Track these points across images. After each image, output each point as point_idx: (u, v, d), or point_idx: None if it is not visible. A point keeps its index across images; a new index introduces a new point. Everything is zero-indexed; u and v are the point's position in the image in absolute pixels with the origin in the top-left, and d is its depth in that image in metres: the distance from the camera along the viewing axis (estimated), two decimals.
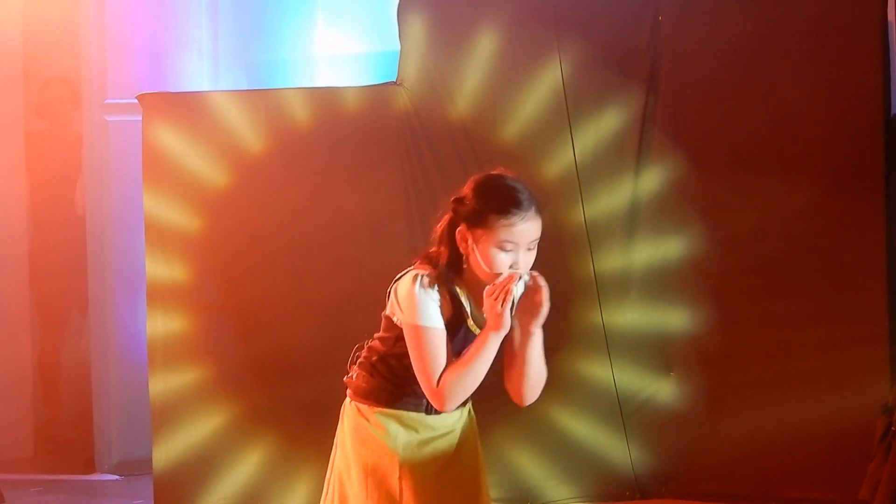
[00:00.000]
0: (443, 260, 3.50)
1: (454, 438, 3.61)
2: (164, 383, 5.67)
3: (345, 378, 3.67)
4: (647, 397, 5.75)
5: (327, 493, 3.67)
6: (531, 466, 5.69)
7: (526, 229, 3.43)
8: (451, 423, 3.60)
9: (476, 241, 3.44)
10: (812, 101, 5.58)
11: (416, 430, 3.56)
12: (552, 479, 5.73)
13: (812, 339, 5.56)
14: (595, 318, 5.74)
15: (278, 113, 5.74)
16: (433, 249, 3.54)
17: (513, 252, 3.43)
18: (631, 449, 5.73)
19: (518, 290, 3.41)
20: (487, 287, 3.41)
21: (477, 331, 3.50)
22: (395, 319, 3.53)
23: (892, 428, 4.21)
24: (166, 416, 5.67)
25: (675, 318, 5.72)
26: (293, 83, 6.25)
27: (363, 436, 3.58)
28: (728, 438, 5.65)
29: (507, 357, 3.53)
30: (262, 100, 5.81)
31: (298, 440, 5.62)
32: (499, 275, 3.42)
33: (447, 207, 3.51)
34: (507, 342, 3.49)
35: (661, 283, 5.73)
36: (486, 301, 3.40)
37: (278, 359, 5.68)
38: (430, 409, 3.55)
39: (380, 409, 3.57)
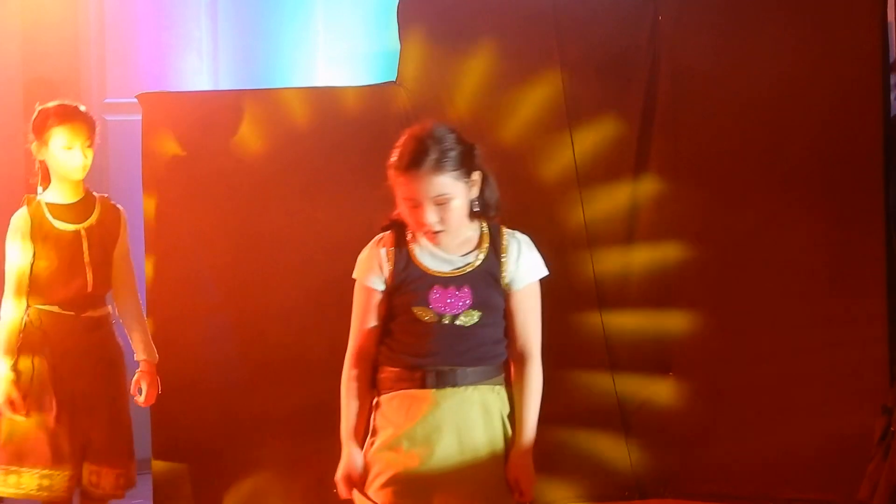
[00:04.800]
0: (394, 216, 3.53)
1: (464, 422, 3.46)
2: (163, 383, 5.67)
3: None
4: (647, 397, 5.75)
5: None
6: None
7: (418, 188, 3.36)
8: (458, 398, 3.45)
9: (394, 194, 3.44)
10: (811, 101, 5.58)
11: (420, 409, 3.43)
12: (552, 479, 5.73)
13: (811, 340, 5.56)
14: (595, 318, 5.74)
15: (278, 113, 5.74)
16: None
17: (417, 207, 3.37)
18: (630, 449, 5.74)
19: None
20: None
21: (438, 273, 3.42)
22: None
23: (891, 428, 4.21)
24: (166, 416, 5.66)
25: (674, 319, 5.72)
26: (293, 83, 6.25)
27: (376, 425, 3.53)
28: (727, 439, 5.65)
29: None
30: (261, 100, 5.81)
31: (298, 441, 5.62)
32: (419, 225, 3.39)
33: None
34: None
35: (660, 284, 5.73)
36: None
37: (278, 359, 5.67)
38: (426, 383, 3.43)
39: (385, 394, 3.50)
